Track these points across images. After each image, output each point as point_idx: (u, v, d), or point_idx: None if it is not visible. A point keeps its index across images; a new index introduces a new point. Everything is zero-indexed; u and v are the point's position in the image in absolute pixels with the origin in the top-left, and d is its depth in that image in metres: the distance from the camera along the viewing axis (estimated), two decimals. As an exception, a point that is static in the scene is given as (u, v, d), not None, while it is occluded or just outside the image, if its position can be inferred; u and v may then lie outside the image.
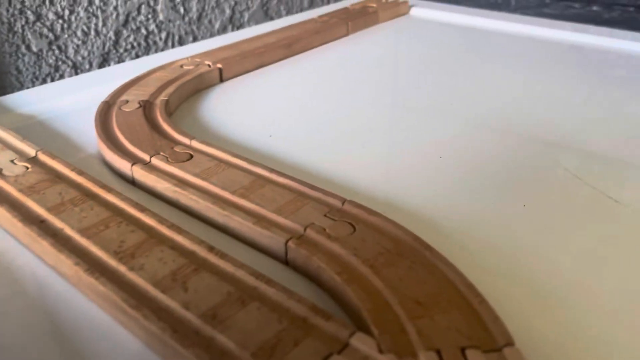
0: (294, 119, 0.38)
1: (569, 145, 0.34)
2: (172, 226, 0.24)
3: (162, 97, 0.38)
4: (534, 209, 0.28)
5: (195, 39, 0.68)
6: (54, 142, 0.34)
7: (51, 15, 0.55)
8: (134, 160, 0.29)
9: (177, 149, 0.30)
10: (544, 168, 0.31)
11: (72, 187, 0.27)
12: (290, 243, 0.23)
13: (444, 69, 0.48)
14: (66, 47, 0.57)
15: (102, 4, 0.58)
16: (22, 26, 0.53)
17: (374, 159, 0.33)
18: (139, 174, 0.29)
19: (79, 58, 0.58)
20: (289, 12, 0.78)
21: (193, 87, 0.42)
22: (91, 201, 0.26)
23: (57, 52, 0.57)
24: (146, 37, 0.63)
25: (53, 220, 0.24)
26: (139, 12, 0.61)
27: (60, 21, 0.56)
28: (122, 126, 0.33)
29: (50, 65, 0.57)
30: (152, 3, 0.62)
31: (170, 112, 0.38)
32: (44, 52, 0.56)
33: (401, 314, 0.19)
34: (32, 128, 0.36)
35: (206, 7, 0.67)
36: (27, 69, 0.55)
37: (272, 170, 0.28)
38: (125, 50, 0.62)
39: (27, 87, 0.55)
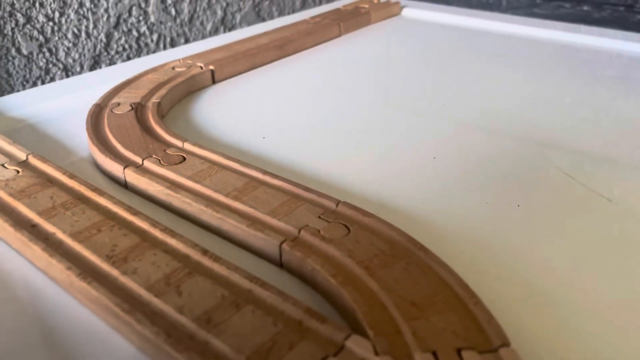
0: (287, 120, 0.38)
1: (560, 144, 0.34)
2: (165, 229, 0.23)
3: (154, 99, 0.37)
4: (528, 209, 0.28)
5: (187, 41, 0.68)
6: (45, 146, 0.34)
7: (41, 18, 0.54)
8: (126, 163, 0.29)
9: (170, 151, 0.30)
10: (536, 167, 0.31)
11: (63, 190, 0.27)
12: (284, 245, 0.23)
13: (436, 69, 0.48)
14: (57, 49, 0.57)
15: (92, 6, 0.58)
16: (12, 29, 0.53)
17: (367, 160, 0.33)
18: (132, 177, 0.28)
19: (70, 61, 0.58)
20: (281, 13, 0.78)
21: (185, 89, 0.42)
22: (83, 205, 0.25)
23: (47, 54, 0.56)
24: (137, 39, 0.63)
25: (44, 225, 0.24)
26: (130, 14, 0.61)
27: (51, 23, 0.55)
28: (113, 129, 0.33)
29: (40, 68, 0.56)
30: (143, 5, 0.62)
31: (162, 114, 0.37)
32: (35, 54, 0.55)
33: (396, 315, 0.19)
34: (23, 131, 0.36)
35: (198, 9, 0.67)
36: (17, 72, 0.55)
37: (265, 172, 0.28)
38: (117, 52, 0.62)
39: (18, 90, 0.55)
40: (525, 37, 0.56)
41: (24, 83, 0.56)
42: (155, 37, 0.64)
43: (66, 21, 0.56)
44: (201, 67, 0.43)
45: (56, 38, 0.56)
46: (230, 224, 0.25)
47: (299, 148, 0.34)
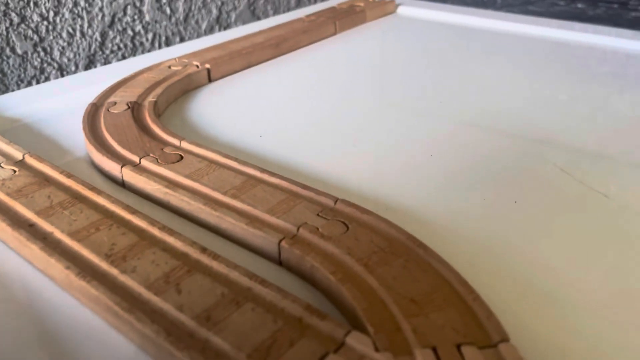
0: (283, 118, 0.38)
1: (556, 141, 0.34)
2: (163, 228, 0.23)
3: (151, 98, 0.37)
4: (525, 205, 0.28)
5: (182, 40, 0.68)
6: (41, 145, 0.34)
7: (36, 17, 0.54)
8: (124, 162, 0.29)
9: (167, 150, 0.30)
10: (533, 164, 0.32)
11: (60, 190, 0.26)
12: (283, 243, 0.23)
13: (432, 67, 0.48)
14: (51, 49, 0.56)
15: (87, 5, 0.57)
16: (6, 28, 0.53)
17: (365, 158, 0.33)
18: (129, 175, 0.28)
19: (65, 60, 0.58)
20: (276, 11, 0.78)
21: (181, 88, 0.42)
22: (81, 204, 0.25)
23: (42, 54, 0.56)
24: (132, 38, 0.63)
25: (42, 224, 0.24)
26: (125, 13, 0.61)
27: (45, 23, 0.55)
28: (110, 128, 0.33)
29: (35, 68, 0.56)
30: (138, 4, 0.61)
31: (158, 113, 0.37)
32: (29, 54, 0.55)
33: (396, 312, 0.19)
34: (19, 131, 0.36)
35: (193, 8, 0.67)
36: (12, 72, 0.54)
37: (263, 170, 0.28)
38: (112, 51, 0.61)
39: (12, 90, 0.54)
40: (519, 34, 0.56)
41: (19, 83, 0.55)
42: (150, 36, 0.64)
43: (61, 20, 0.56)
44: (197, 66, 0.43)
45: (51, 37, 0.56)
46: (228, 222, 0.25)
47: (296, 146, 0.34)
